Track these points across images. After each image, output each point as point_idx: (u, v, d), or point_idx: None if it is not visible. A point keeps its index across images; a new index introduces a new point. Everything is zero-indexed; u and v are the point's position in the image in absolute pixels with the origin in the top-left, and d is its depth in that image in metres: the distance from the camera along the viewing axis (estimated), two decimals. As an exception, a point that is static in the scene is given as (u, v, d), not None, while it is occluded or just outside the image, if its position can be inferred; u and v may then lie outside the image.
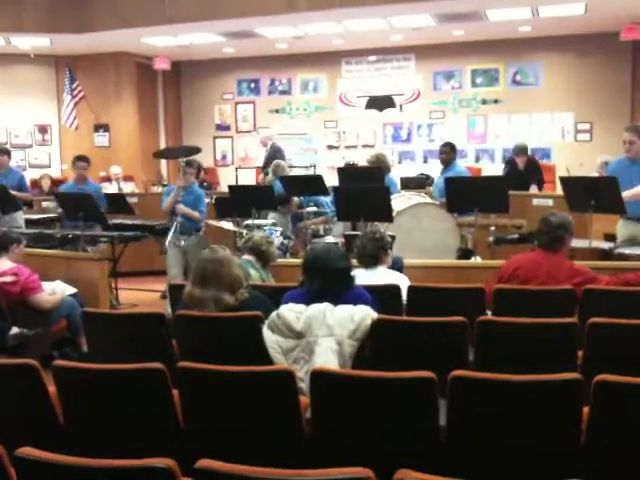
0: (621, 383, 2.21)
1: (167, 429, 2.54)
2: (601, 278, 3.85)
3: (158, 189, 9.73)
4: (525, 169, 8.35)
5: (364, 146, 11.36)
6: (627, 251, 5.00)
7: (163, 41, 9.93)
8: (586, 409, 2.28)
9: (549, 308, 3.37)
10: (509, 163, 8.66)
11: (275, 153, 9.21)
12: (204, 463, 1.74)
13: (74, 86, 10.52)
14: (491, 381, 2.29)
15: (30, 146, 11.26)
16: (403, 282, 3.97)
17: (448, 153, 7.22)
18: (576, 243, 5.44)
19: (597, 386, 2.20)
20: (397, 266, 4.46)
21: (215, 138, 12.22)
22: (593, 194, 5.06)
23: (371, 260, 4.06)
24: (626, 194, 5.02)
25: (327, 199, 7.22)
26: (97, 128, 11.11)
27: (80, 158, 7.01)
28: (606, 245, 5.38)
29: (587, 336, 2.98)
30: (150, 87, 11.80)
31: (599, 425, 2.25)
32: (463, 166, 8.18)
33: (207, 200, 8.09)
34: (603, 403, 2.22)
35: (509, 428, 2.29)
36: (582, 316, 3.12)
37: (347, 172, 7.60)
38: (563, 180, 5.67)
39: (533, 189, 8.13)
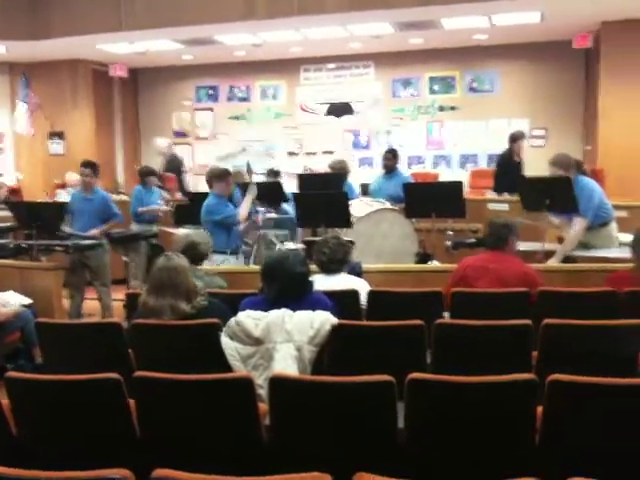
0: (574, 383, 2.25)
1: (124, 439, 2.50)
2: (540, 282, 3.92)
3: (115, 197, 9.59)
4: (520, 161, 8.22)
5: (324, 152, 11.39)
6: (579, 253, 5.12)
7: (120, 48, 9.82)
8: (540, 409, 2.32)
9: (505, 310, 3.42)
10: (503, 157, 8.42)
11: (173, 162, 9.32)
12: (161, 472, 1.72)
13: (29, 93, 10.32)
14: (447, 383, 2.32)
15: (-17, 155, 11.02)
16: (362, 287, 3.99)
17: (391, 159, 7.37)
18: (531, 246, 5.57)
19: (551, 386, 2.24)
20: (356, 271, 4.48)
21: (174, 145, 12.11)
22: (547, 194, 5.17)
23: (339, 266, 4.06)
24: (563, 250, 5.17)
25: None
26: (52, 136, 10.92)
27: (84, 164, 6.41)
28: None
29: (541, 337, 3.03)
30: (107, 94, 11.65)
31: (553, 424, 2.29)
32: (406, 173, 8.29)
33: (168, 208, 8.05)
34: (557, 402, 2.27)
35: (466, 429, 2.32)
36: (536, 317, 3.17)
37: (307, 179, 7.63)
38: (518, 180, 5.78)
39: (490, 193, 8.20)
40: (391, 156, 7.44)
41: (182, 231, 4.27)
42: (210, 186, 5.97)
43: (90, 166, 6.43)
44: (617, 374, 2.38)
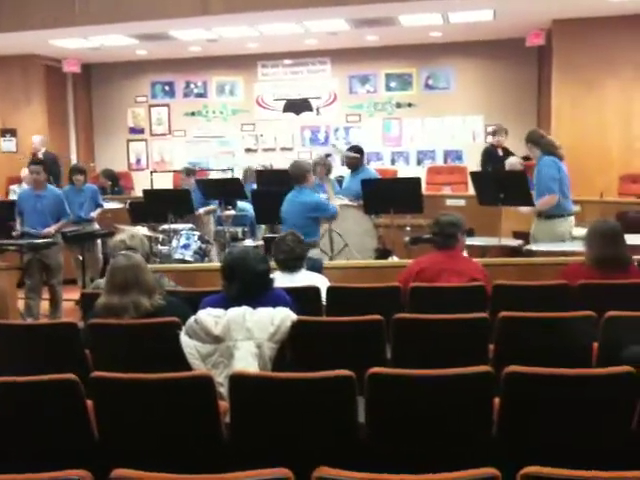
0: (530, 374, 2.30)
1: (82, 440, 2.47)
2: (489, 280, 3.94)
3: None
4: (505, 154, 8.12)
5: (282, 149, 11.37)
6: (534, 248, 5.23)
7: (73, 43, 9.63)
8: (498, 400, 2.36)
9: (462, 304, 3.47)
10: (486, 152, 8.32)
11: (51, 163, 9.11)
12: (119, 472, 1.71)
13: (-22, 90, 10.06)
14: (406, 377, 2.34)
15: None
16: (322, 283, 4.00)
17: (351, 157, 7.37)
18: (487, 241, 5.67)
19: (507, 377, 2.29)
20: (316, 267, 4.50)
21: (129, 142, 11.94)
22: (502, 187, 5.27)
23: (298, 263, 4.05)
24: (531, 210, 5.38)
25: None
26: (4, 133, 10.66)
27: (34, 161, 6.52)
28: (515, 242, 5.61)
29: (497, 330, 3.09)
30: (60, 90, 11.40)
31: (509, 415, 2.34)
32: (372, 169, 8.27)
33: (121, 205, 7.91)
34: (513, 394, 2.31)
35: (425, 421, 2.35)
36: (493, 311, 3.23)
37: (267, 175, 7.62)
38: (473, 175, 5.87)
39: None
40: (351, 154, 7.43)
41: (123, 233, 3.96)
42: (303, 180, 5.64)
43: (41, 163, 6.41)
44: (572, 365, 2.44)
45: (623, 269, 3.76)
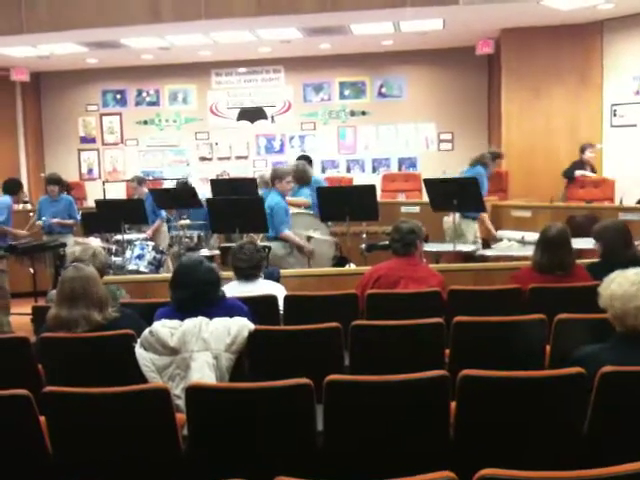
0: (483, 377, 2.34)
1: (36, 457, 2.41)
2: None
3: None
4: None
5: (237, 157, 11.33)
6: (487, 253, 5.33)
7: (21, 51, 9.43)
8: (454, 403, 2.39)
9: (418, 309, 3.50)
10: (574, 167, 8.20)
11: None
12: (75, 490, 1.67)
13: None
14: (364, 383, 2.36)
15: None
16: (280, 292, 4.00)
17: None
18: (441, 247, 5.76)
19: (462, 381, 2.32)
20: (274, 277, 4.48)
21: (80, 151, 11.74)
22: (455, 194, 5.37)
23: (255, 272, 4.02)
24: None
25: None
26: (-50, 142, 10.38)
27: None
28: (468, 248, 5.70)
29: (453, 334, 3.13)
30: (8, 99, 11.14)
31: (465, 418, 2.37)
32: (321, 178, 8.35)
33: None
34: (467, 397, 2.35)
35: (383, 427, 2.37)
36: (448, 316, 3.27)
37: (221, 184, 7.57)
38: (427, 182, 5.94)
39: None
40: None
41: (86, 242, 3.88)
42: (273, 184, 6.26)
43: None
44: (525, 367, 2.49)
45: (568, 272, 3.85)
